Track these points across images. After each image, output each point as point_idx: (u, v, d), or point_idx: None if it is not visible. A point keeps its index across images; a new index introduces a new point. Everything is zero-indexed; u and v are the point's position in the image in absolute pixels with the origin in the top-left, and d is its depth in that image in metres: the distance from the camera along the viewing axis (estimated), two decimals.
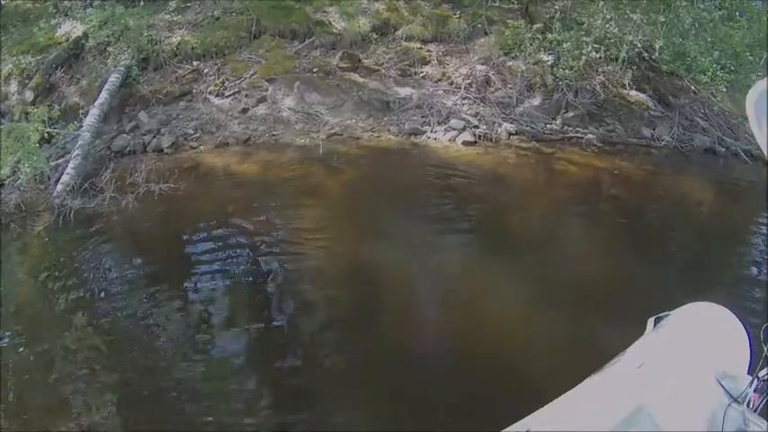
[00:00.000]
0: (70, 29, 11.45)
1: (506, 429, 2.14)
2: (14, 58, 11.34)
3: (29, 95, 10.60)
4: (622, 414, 2.00)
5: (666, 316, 2.69)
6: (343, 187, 7.88)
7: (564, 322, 5.16)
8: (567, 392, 2.32)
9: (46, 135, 9.05)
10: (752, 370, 2.21)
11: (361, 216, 7.25)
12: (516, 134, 9.55)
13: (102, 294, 5.96)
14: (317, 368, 4.90)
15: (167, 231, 7.28)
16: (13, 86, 11.18)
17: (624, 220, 7.65)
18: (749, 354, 2.47)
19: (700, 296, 2.83)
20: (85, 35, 10.97)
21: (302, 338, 5.33)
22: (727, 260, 7.09)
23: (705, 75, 9.09)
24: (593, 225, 7.48)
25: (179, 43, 10.58)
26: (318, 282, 6.10)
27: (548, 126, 9.80)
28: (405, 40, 10.81)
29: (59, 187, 7.88)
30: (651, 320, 2.70)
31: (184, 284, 6.06)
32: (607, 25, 9.52)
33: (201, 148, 9.06)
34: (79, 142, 8.69)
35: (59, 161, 8.63)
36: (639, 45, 9.41)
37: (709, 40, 9.44)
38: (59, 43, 11.28)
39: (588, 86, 9.85)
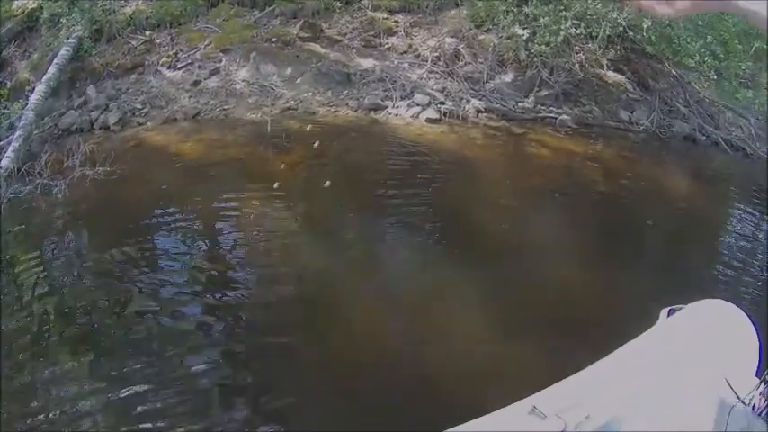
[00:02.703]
0: (27, 0, 10.98)
1: (513, 404, 2.17)
2: None
3: None
4: (626, 401, 2.03)
5: (680, 309, 2.74)
6: (288, 171, 7.35)
7: (521, 343, 4.70)
8: (575, 374, 2.34)
9: None
10: (760, 371, 2.26)
11: (302, 207, 6.80)
12: (485, 112, 9.01)
13: None
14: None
15: (89, 225, 6.92)
16: None
17: (599, 214, 7.11)
18: (758, 353, 2.52)
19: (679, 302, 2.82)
20: (40, 7, 10.49)
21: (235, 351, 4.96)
22: (707, 259, 6.67)
23: (692, 59, 8.61)
24: (566, 221, 6.82)
25: (133, 13, 10.12)
26: (243, 284, 5.73)
27: (519, 104, 9.27)
28: (370, 10, 10.29)
29: None
30: (665, 311, 2.75)
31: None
32: (589, 0, 8.90)
33: (148, 124, 8.64)
34: (21, 122, 8.28)
35: (2, 143, 8.23)
36: (624, 24, 8.80)
37: (699, 23, 8.88)
38: (14, 16, 10.83)
39: (565, 65, 9.27)
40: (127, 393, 4.32)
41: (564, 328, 4.88)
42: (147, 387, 4.37)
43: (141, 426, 4.14)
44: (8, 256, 6.58)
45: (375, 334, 4.96)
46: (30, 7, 10.78)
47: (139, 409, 4.22)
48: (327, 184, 6.55)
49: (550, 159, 8.24)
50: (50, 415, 4.23)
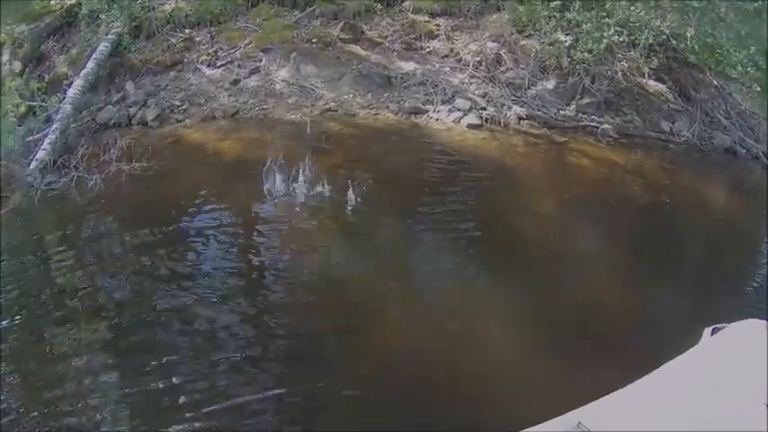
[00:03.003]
0: None
1: (557, 418, 2.16)
2: (8, 27, 10.93)
3: (16, 66, 10.20)
4: (668, 420, 2.04)
5: (723, 328, 2.72)
6: (327, 174, 7.15)
7: (558, 358, 4.53)
8: (619, 390, 2.33)
9: (23, 109, 8.72)
10: None
11: (340, 211, 6.61)
12: (527, 119, 8.78)
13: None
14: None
15: (123, 220, 6.82)
16: (5, 56, 10.78)
17: (640, 227, 6.87)
18: None
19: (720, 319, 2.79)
20: (79, 3, 10.48)
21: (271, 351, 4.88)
22: (747, 274, 6.48)
23: (734, 70, 8.37)
24: (606, 233, 6.61)
25: (172, 10, 10.07)
26: (276, 287, 5.62)
27: (561, 112, 9.03)
28: (412, 13, 10.12)
29: (33, 164, 7.51)
30: (708, 330, 2.72)
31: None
32: (632, 7, 8.69)
33: (187, 121, 8.57)
34: (59, 115, 8.25)
35: (39, 135, 8.20)
36: (667, 32, 8.57)
37: (743, 32, 8.61)
38: (53, 11, 10.84)
39: (608, 72, 9.03)
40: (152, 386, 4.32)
41: (601, 344, 4.75)
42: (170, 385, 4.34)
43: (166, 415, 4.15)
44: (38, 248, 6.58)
45: (408, 341, 4.83)
46: (68, 3, 10.78)
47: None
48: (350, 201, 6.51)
49: (591, 169, 8.01)
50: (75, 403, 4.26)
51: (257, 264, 6.01)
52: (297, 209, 6.66)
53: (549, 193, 7.32)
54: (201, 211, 6.84)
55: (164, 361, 4.55)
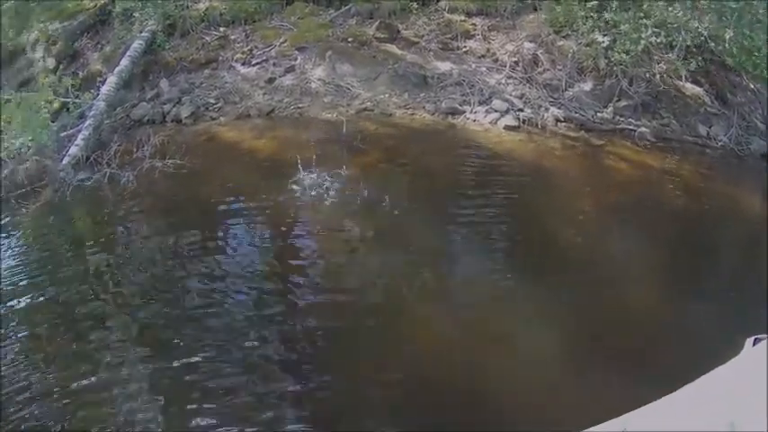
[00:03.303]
0: None
1: (602, 425, 2.09)
2: (42, 24, 10.99)
3: (50, 62, 10.24)
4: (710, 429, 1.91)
5: (765, 339, 2.45)
6: (362, 174, 7.10)
7: (591, 367, 4.46)
8: (661, 399, 2.18)
9: (57, 105, 8.74)
10: None
11: (374, 212, 6.49)
12: (564, 121, 8.56)
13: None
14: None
15: (154, 217, 6.85)
16: (39, 53, 10.84)
17: (677, 234, 6.63)
18: None
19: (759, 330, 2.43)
20: (112, 1, 10.50)
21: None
22: None
23: None
24: (642, 240, 6.40)
25: (207, 9, 10.05)
26: (310, 288, 5.55)
27: (598, 114, 8.79)
28: (448, 12, 9.97)
29: (66, 160, 7.54)
30: (750, 341, 2.49)
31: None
32: (670, 8, 8.47)
33: (221, 119, 8.53)
34: (92, 112, 8.23)
35: (72, 131, 8.19)
36: (705, 33, 8.34)
37: None
38: (87, 9, 10.87)
39: (646, 74, 8.81)
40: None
41: (639, 353, 4.62)
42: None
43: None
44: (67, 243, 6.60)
45: (438, 345, 4.78)
46: (102, 1, 10.82)
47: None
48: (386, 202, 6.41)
49: (629, 174, 7.78)
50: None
51: (288, 264, 5.95)
52: (331, 209, 6.57)
53: (586, 198, 7.13)
54: (234, 211, 6.81)
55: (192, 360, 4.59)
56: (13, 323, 5.32)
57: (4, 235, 6.83)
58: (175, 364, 4.58)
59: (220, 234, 6.44)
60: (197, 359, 4.63)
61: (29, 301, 5.54)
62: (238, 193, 6.93)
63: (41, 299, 5.58)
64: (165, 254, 6.06)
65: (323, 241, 6.19)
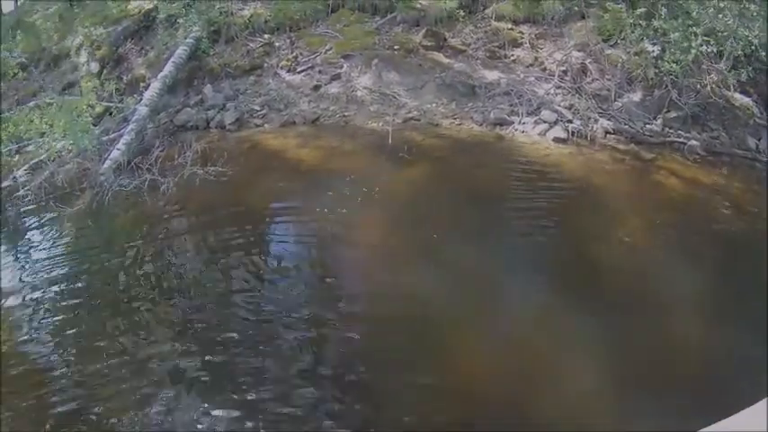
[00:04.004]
0: (143, 1, 11.03)
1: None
2: (86, 29, 11.05)
3: (94, 67, 10.28)
4: None
5: None
6: (407, 188, 6.96)
7: (636, 399, 4.26)
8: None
9: (100, 109, 8.75)
10: None
11: (419, 228, 6.32)
12: (613, 133, 8.31)
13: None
14: None
15: (190, 227, 6.76)
16: (83, 57, 10.89)
17: (728, 259, 6.22)
18: None
19: None
20: (156, 7, 10.51)
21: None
22: None
23: None
24: (693, 264, 6.07)
25: (251, 16, 10.02)
26: (348, 303, 5.42)
27: (647, 126, 8.52)
28: (494, 20, 9.81)
29: (107, 164, 7.50)
30: None
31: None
32: (720, 15, 8.19)
33: (266, 126, 8.47)
34: (135, 116, 8.22)
35: (114, 135, 8.17)
36: (756, 42, 8.04)
37: None
38: (131, 15, 10.91)
39: (698, 85, 8.52)
40: None
41: (685, 386, 4.42)
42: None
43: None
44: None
45: (478, 368, 4.64)
46: (146, 7, 10.83)
47: None
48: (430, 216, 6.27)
49: (679, 190, 7.43)
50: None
51: (325, 281, 5.83)
52: (376, 223, 6.42)
53: (636, 217, 6.79)
54: (274, 223, 6.72)
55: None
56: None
57: (40, 237, 6.93)
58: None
59: (256, 246, 6.28)
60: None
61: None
62: (279, 205, 6.86)
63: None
64: (195, 265, 6.01)
65: (363, 257, 6.01)
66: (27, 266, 6.36)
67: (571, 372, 4.58)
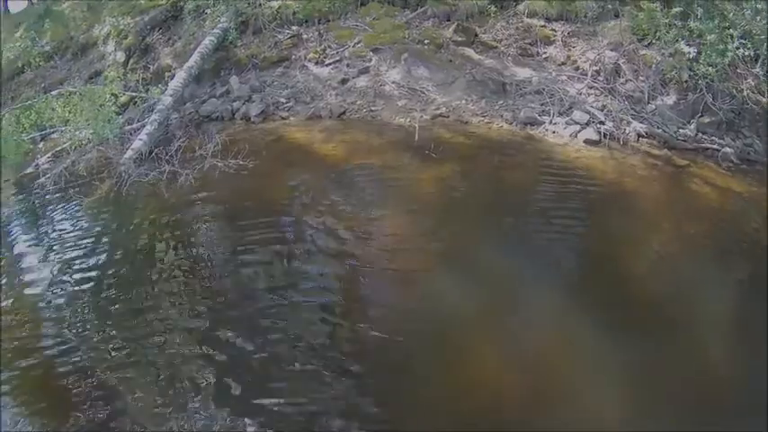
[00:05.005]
0: None
1: None
2: (114, 19, 11.05)
3: (120, 56, 10.27)
4: None
5: None
6: (431, 188, 6.76)
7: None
8: None
9: (125, 98, 8.71)
10: None
11: (441, 231, 6.11)
12: (646, 137, 8.02)
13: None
14: None
15: (203, 222, 6.60)
16: (110, 47, 10.90)
17: (760, 278, 5.79)
18: None
19: None
20: None
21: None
22: None
23: None
24: (728, 283, 5.73)
25: (279, 7, 9.93)
26: (366, 307, 5.28)
27: (680, 131, 8.22)
28: (527, 16, 9.61)
29: (128, 154, 7.47)
30: None
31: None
32: (758, 17, 7.90)
33: (291, 119, 8.37)
34: (158, 106, 8.15)
35: (137, 125, 8.13)
36: None
37: None
38: (159, 5, 10.89)
39: (734, 89, 8.22)
40: None
41: (715, 414, 4.18)
42: None
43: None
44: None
45: (494, 382, 4.46)
46: None
47: None
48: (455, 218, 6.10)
49: (712, 200, 7.04)
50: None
51: (345, 284, 5.62)
52: (398, 225, 6.22)
53: (667, 227, 6.49)
54: (292, 221, 6.46)
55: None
56: None
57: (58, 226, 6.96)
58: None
59: (272, 245, 6.08)
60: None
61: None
62: (299, 202, 6.63)
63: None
64: (205, 264, 5.91)
65: (384, 259, 5.79)
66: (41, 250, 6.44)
67: (590, 392, 4.37)
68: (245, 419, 4.17)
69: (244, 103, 8.61)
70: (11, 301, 5.79)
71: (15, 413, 4.49)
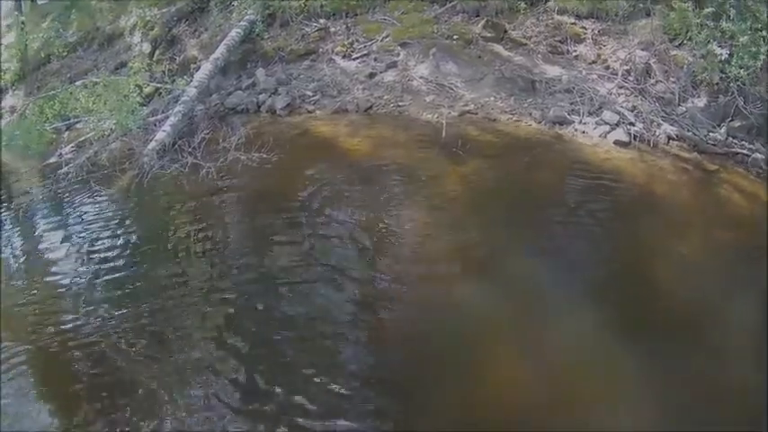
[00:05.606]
0: None
1: None
2: (140, 10, 11.06)
3: (146, 47, 10.28)
4: None
5: None
6: (457, 185, 6.66)
7: None
8: None
9: (149, 89, 8.71)
10: None
11: (466, 230, 5.98)
12: (677, 139, 7.81)
13: None
14: None
15: (220, 219, 6.61)
16: (137, 38, 10.91)
17: None
18: None
19: None
20: None
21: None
22: None
23: None
24: (756, 294, 5.40)
25: (307, 0, 9.81)
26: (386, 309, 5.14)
27: (711, 134, 8.01)
28: (557, 13, 9.46)
29: (151, 145, 7.45)
30: None
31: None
32: None
33: (317, 112, 8.33)
34: (184, 98, 8.11)
35: (161, 116, 8.11)
36: None
37: None
38: None
39: (766, 93, 8.01)
40: None
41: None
42: None
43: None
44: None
45: (510, 391, 4.32)
46: None
47: None
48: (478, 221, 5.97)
49: (742, 208, 6.75)
50: None
51: (365, 280, 5.51)
52: (422, 222, 6.12)
53: (696, 235, 6.29)
54: (313, 217, 6.33)
55: None
56: None
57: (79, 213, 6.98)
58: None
59: (290, 243, 5.99)
60: None
61: None
62: (321, 198, 6.52)
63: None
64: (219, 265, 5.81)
65: (405, 261, 5.64)
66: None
67: (610, 400, 4.22)
68: (265, 407, 4.16)
69: (270, 96, 8.56)
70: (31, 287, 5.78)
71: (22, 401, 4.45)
